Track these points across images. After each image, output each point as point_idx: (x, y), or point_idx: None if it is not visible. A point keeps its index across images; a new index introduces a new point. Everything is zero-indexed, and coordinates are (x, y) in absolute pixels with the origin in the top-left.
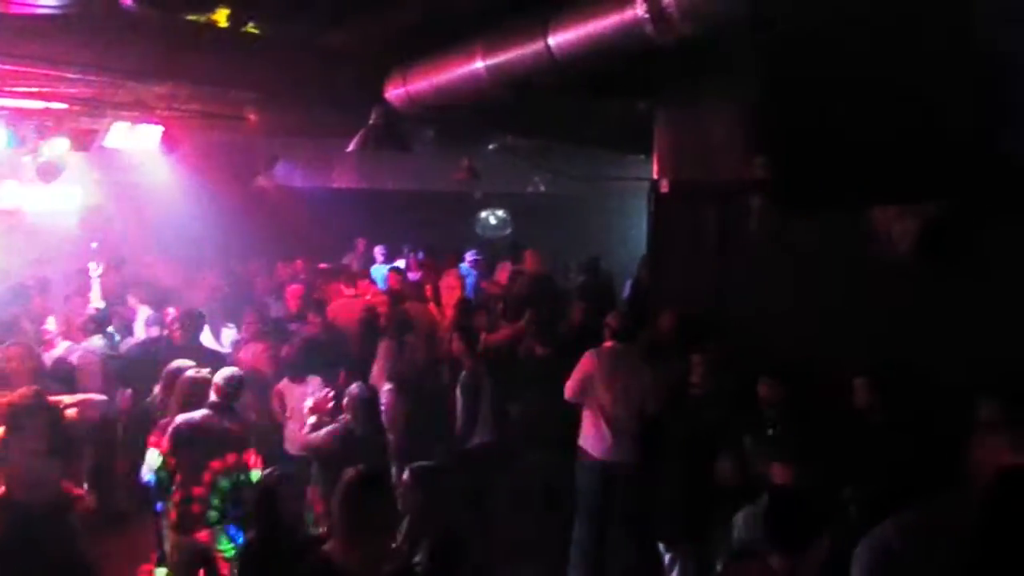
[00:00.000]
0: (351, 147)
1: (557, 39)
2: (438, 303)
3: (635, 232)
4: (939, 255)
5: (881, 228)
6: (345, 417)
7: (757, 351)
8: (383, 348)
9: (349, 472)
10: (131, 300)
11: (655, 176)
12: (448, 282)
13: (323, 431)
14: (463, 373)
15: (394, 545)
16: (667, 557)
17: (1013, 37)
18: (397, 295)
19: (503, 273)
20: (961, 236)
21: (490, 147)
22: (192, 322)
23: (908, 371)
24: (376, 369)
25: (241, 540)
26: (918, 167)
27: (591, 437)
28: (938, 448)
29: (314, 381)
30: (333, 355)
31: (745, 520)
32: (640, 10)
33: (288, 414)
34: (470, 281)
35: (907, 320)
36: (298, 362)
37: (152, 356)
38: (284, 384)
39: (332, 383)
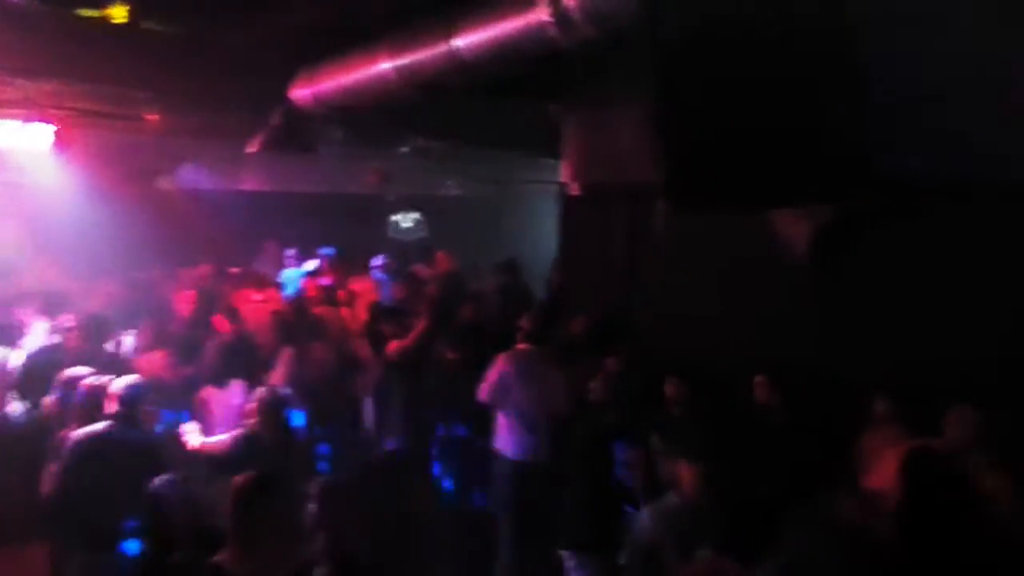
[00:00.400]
0: (251, 148)
1: (463, 41)
2: (351, 307)
3: (549, 234)
4: (832, 257)
5: (779, 231)
6: (251, 422)
7: (666, 351)
8: (284, 355)
9: (241, 477)
10: (23, 312)
11: (565, 179)
12: (362, 285)
13: (225, 437)
14: (372, 378)
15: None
16: (570, 563)
17: (898, 42)
18: (303, 301)
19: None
20: (852, 239)
21: (402, 150)
22: (94, 328)
23: (807, 370)
24: (276, 375)
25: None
26: (811, 170)
27: (506, 439)
28: (836, 444)
29: (237, 386)
30: (251, 360)
31: (651, 518)
32: (544, 13)
33: (214, 421)
34: (386, 291)
35: (807, 320)
36: (219, 368)
37: (49, 365)
38: (208, 391)
39: (254, 387)
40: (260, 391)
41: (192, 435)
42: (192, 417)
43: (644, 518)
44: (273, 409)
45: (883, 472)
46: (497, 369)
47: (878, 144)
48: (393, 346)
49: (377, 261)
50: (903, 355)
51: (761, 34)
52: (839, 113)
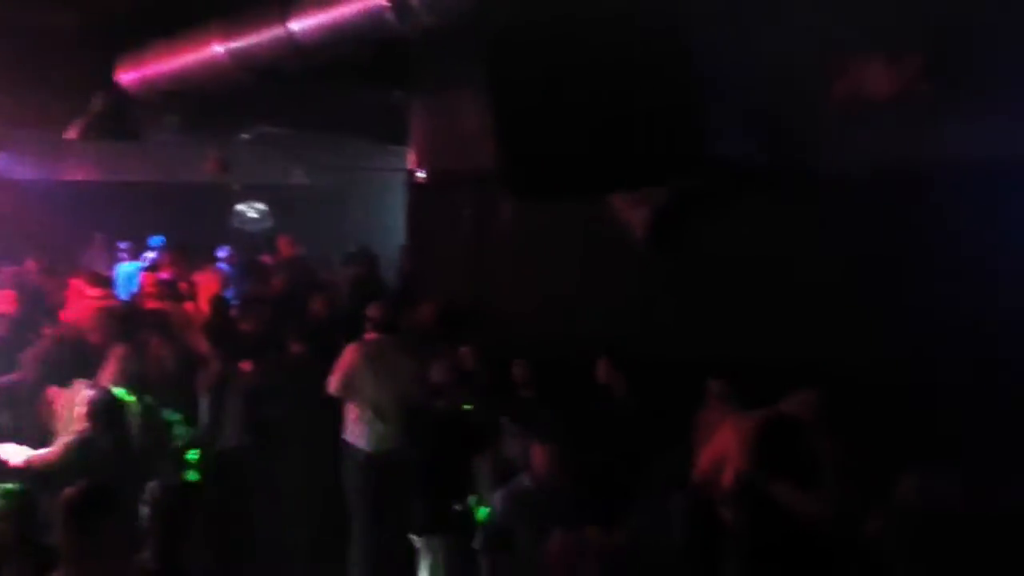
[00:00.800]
0: (71, 135)
1: (299, 24)
2: (194, 300)
3: (398, 222)
4: (667, 241)
5: (619, 216)
6: (83, 426)
7: (515, 336)
8: (114, 352)
9: (72, 489)
10: None
11: (412, 166)
12: (204, 278)
13: (54, 447)
14: (211, 375)
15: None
16: (421, 548)
17: (726, 35)
18: (139, 296)
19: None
20: (686, 223)
21: (243, 137)
22: None
23: (649, 351)
24: (105, 374)
25: None
26: (644, 156)
27: (358, 430)
28: (673, 421)
29: (81, 385)
30: (84, 360)
31: (503, 501)
32: None
33: (60, 423)
34: (233, 283)
35: (648, 302)
36: (62, 367)
37: None
38: (54, 392)
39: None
40: (88, 391)
41: (13, 454)
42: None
43: (496, 501)
44: (105, 410)
45: (718, 446)
46: (345, 360)
47: (708, 130)
48: (245, 368)
49: (222, 252)
50: (737, 335)
51: (593, 26)
52: (670, 100)
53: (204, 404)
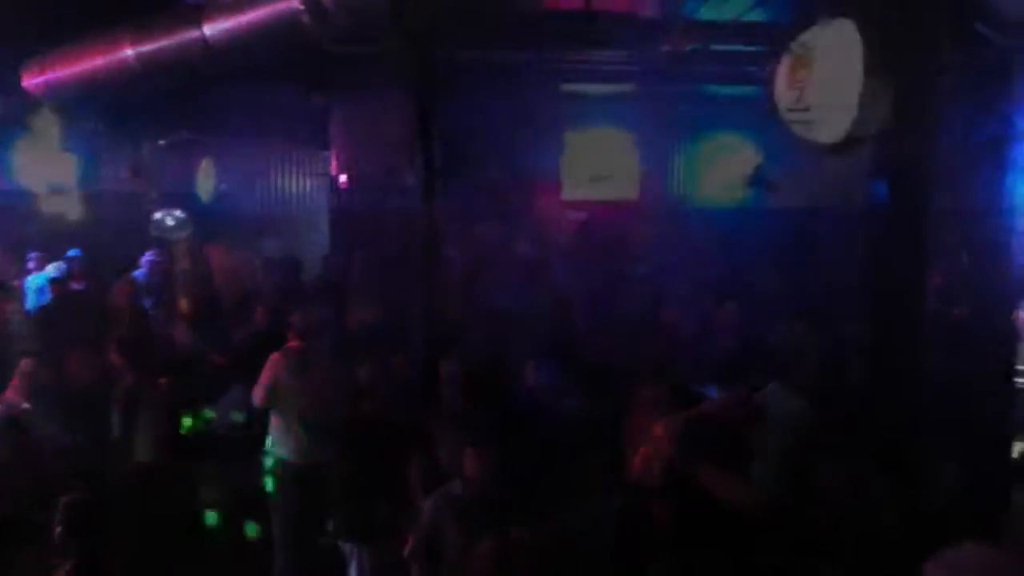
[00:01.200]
0: None
1: (212, 27)
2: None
3: (322, 228)
4: (596, 244)
5: (550, 217)
6: None
7: (443, 339)
8: (21, 366)
9: None
10: None
11: (335, 170)
12: (120, 289)
13: None
14: (123, 387)
15: None
16: (348, 554)
17: None
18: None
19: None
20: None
21: (161, 143)
22: None
23: (578, 354)
24: (10, 391)
25: None
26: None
27: (283, 440)
28: (609, 426)
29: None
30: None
31: (433, 506)
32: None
33: None
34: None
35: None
36: None
37: None
38: None
39: None
40: None
41: None
42: None
43: (426, 506)
44: (13, 429)
45: (650, 447)
46: (269, 369)
47: None
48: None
49: (147, 257)
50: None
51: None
52: None
53: (117, 418)
